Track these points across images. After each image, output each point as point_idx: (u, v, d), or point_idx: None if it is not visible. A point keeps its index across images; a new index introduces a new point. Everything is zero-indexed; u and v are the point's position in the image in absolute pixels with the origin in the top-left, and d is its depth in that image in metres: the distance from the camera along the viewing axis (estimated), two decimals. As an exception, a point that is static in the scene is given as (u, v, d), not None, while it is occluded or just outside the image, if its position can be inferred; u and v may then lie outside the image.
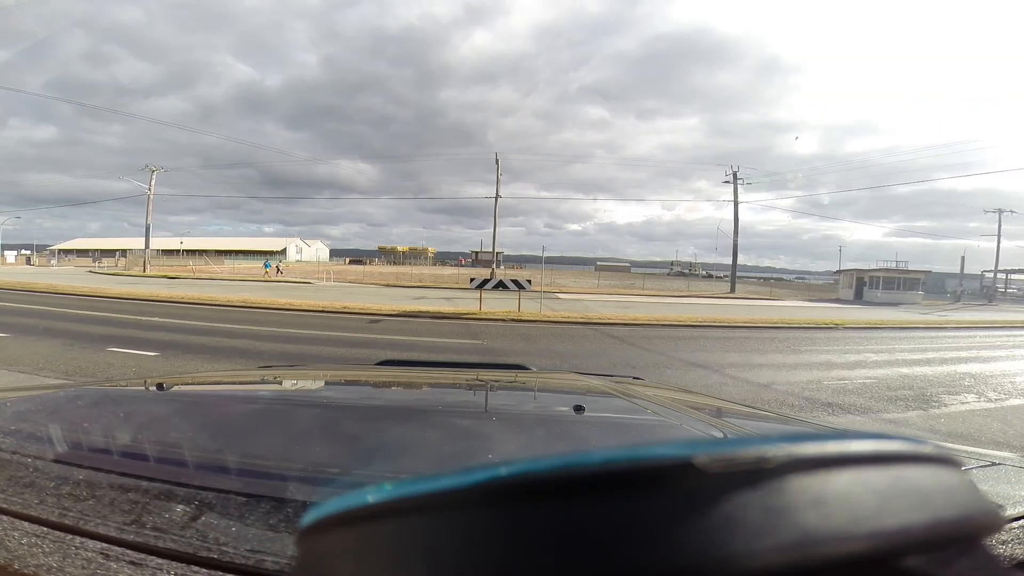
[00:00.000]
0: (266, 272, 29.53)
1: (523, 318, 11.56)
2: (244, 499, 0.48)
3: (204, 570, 0.40)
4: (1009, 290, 38.19)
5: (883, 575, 0.22)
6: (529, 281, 12.40)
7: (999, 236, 35.76)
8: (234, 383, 1.36)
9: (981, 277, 39.51)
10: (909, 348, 9.68)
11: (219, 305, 13.20)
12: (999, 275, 38.82)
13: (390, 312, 12.09)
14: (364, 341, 8.01)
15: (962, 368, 7.35)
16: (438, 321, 11.09)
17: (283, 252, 70.56)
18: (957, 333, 13.12)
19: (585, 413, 0.91)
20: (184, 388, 1.14)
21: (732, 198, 30.64)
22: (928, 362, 7.88)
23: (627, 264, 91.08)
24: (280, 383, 1.32)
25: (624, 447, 0.21)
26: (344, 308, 12.68)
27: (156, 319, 9.79)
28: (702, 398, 1.45)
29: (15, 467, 0.54)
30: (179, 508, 0.46)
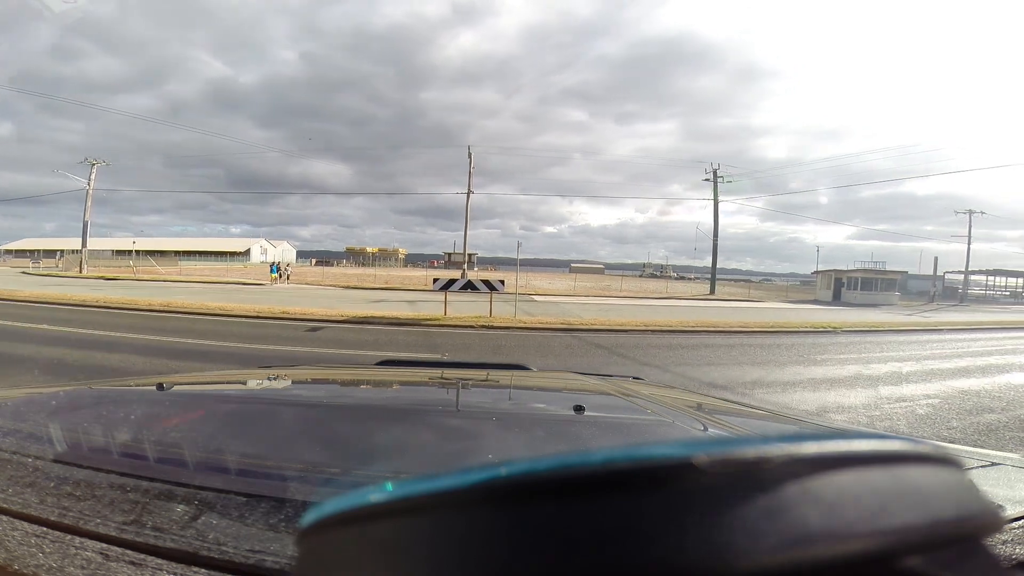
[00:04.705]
0: (273, 277, 26.59)
1: (495, 324, 9.99)
2: (244, 499, 0.48)
3: (204, 570, 0.40)
4: (972, 291, 38.86)
5: (883, 575, 0.22)
6: (502, 282, 10.84)
7: (969, 238, 36.29)
8: (234, 383, 1.32)
9: (943, 278, 40.09)
10: (928, 354, 8.60)
11: (133, 309, 11.22)
12: (962, 276, 39.58)
13: (338, 318, 10.33)
14: (286, 357, 6.29)
15: (1017, 379, 6.20)
16: (393, 329, 9.41)
17: (246, 253, 67.12)
18: (958, 336, 12.23)
19: (585, 413, 0.89)
20: (184, 388, 1.13)
21: (709, 199, 29.95)
22: (969, 371, 6.73)
23: (601, 266, 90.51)
24: (280, 383, 1.30)
25: (624, 447, 0.21)
26: (284, 313, 10.85)
27: (29, 325, 7.80)
28: (702, 398, 1.52)
29: (15, 467, 0.53)
30: (179, 508, 0.46)
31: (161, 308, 11.70)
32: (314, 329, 9.07)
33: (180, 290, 17.78)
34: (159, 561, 0.40)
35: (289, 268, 30.02)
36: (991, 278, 42.50)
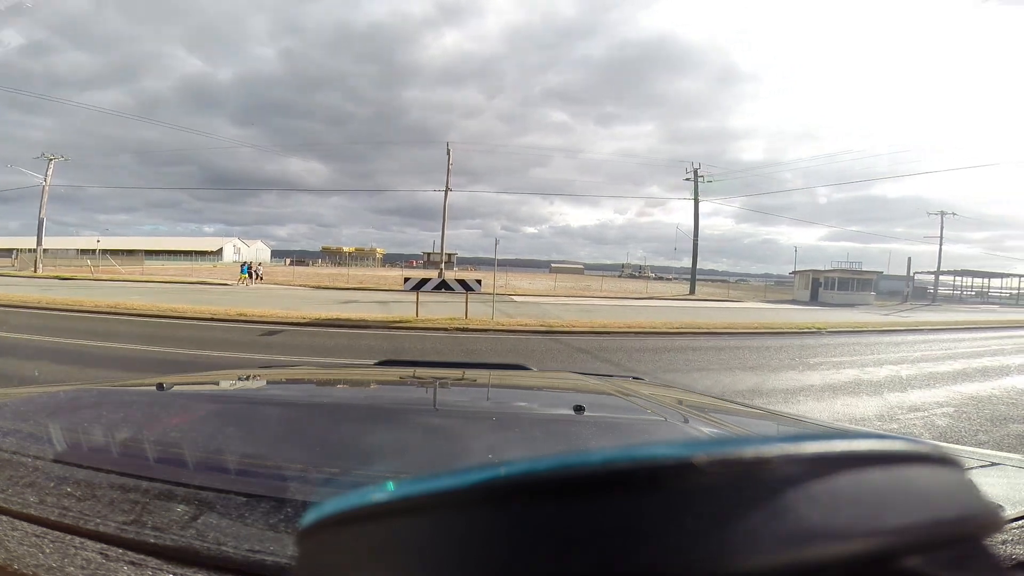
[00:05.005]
0: (242, 278, 25.08)
1: (471, 327, 9.34)
2: (244, 499, 0.48)
3: (204, 570, 0.40)
4: (942, 291, 39.77)
5: (883, 575, 0.22)
6: (479, 282, 10.19)
7: (941, 238, 37.09)
8: (234, 383, 1.33)
9: (913, 279, 40.94)
10: (919, 356, 8.30)
11: (76, 311, 10.23)
12: (930, 276, 40.51)
13: (298, 320, 9.54)
14: (231, 364, 5.53)
15: (1021, 382, 5.85)
16: (358, 332, 8.68)
17: (219, 253, 64.75)
18: (940, 336, 12.08)
19: (585, 413, 0.88)
20: (184, 388, 1.13)
21: (690, 198, 29.80)
22: (968, 375, 6.38)
23: (581, 266, 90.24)
24: (280, 383, 1.30)
25: (624, 447, 0.21)
26: (240, 315, 10.00)
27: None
28: (702, 398, 1.45)
29: (15, 467, 0.53)
30: (179, 508, 0.46)
31: (107, 310, 10.77)
32: (269, 333, 8.29)
33: (138, 290, 16.59)
34: (159, 561, 0.40)
35: (261, 268, 28.69)
36: (958, 278, 43.66)
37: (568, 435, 0.82)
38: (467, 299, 10.30)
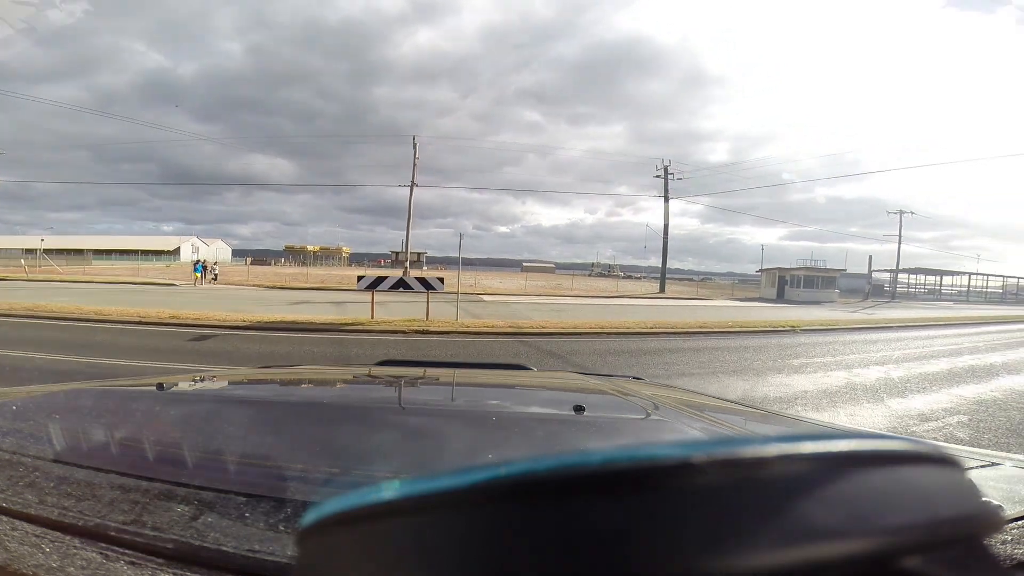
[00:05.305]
0: (196, 277, 23.27)
1: (431, 329, 8.54)
2: (244, 499, 0.47)
3: (204, 570, 0.39)
4: (899, 288, 41.18)
5: (883, 575, 0.22)
6: (441, 280, 9.41)
7: (900, 237, 38.24)
8: (234, 383, 1.32)
9: (871, 276, 42.25)
10: (901, 355, 7.99)
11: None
12: (886, 274, 41.91)
13: (239, 323, 8.53)
14: (135, 373, 4.59)
15: (1018, 383, 5.50)
16: (303, 336, 7.77)
17: (176, 252, 61.39)
18: (912, 333, 12.00)
19: (585, 413, 0.88)
20: (184, 388, 1.13)
21: (660, 196, 29.67)
22: (960, 377, 6.02)
23: (552, 265, 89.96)
24: (280, 383, 1.29)
25: (624, 447, 0.21)
26: (173, 318, 8.91)
27: None
28: (702, 398, 1.42)
29: (15, 467, 0.53)
30: (179, 508, 0.46)
31: (23, 312, 9.53)
32: (199, 338, 7.31)
33: (73, 291, 15.07)
34: (159, 561, 0.40)
35: (216, 267, 26.97)
36: (912, 276, 45.38)
37: (568, 435, 0.81)
38: (428, 298, 9.49)
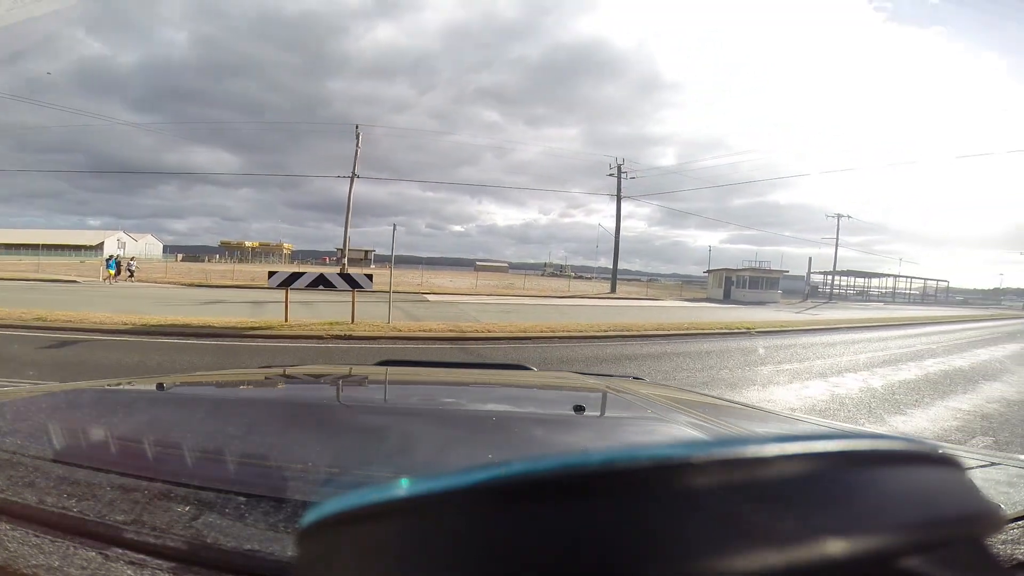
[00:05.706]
0: (110, 274, 20.29)
1: (356, 334, 7.29)
2: (244, 499, 0.47)
3: (204, 570, 0.39)
4: (835, 290, 43.35)
5: (883, 575, 0.22)
6: (369, 277, 8.17)
7: (837, 240, 40.17)
8: (234, 383, 1.30)
9: (808, 278, 44.24)
10: (867, 359, 7.57)
11: None
12: (819, 276, 44.08)
13: (119, 327, 6.96)
14: None
15: (999, 389, 5.02)
16: (191, 343, 6.33)
17: (99, 247, 55.58)
18: (864, 335, 11.91)
19: (585, 413, 0.88)
20: (184, 388, 1.12)
21: (611, 195, 29.41)
22: (941, 385, 5.52)
23: (506, 265, 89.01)
24: (280, 383, 1.29)
25: (624, 447, 0.21)
26: (39, 320, 7.25)
27: None
28: (702, 397, 1.44)
29: (15, 467, 0.53)
30: (179, 508, 0.46)
31: None
32: (58, 345, 5.78)
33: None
34: (159, 561, 0.40)
35: (134, 263, 24.01)
36: (842, 278, 48.03)
37: (568, 435, 0.81)
38: (354, 298, 8.21)
